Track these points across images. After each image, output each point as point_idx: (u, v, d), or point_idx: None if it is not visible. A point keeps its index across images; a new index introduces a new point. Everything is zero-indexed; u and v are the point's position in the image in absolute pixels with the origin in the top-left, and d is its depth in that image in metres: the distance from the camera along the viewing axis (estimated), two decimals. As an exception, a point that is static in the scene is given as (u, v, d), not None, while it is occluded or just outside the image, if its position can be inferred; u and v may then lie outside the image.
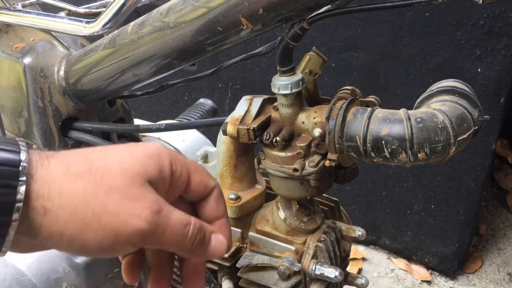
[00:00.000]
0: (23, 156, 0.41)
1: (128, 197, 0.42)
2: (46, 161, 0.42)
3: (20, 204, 0.39)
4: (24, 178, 0.40)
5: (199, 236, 0.46)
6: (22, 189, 0.40)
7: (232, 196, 0.66)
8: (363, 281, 0.70)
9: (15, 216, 0.39)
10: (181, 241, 0.45)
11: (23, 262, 0.72)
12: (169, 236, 0.44)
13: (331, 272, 0.62)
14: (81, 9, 0.79)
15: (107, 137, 0.84)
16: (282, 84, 0.58)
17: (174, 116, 1.11)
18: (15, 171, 0.40)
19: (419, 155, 0.52)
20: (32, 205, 0.40)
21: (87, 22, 0.71)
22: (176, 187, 0.47)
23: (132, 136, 0.90)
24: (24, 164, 0.40)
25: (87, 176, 0.42)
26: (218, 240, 0.48)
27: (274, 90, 0.60)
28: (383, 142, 0.53)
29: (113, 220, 0.42)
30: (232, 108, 0.62)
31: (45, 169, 0.42)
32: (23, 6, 0.82)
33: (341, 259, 0.69)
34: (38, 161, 0.42)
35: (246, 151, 0.66)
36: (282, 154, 0.60)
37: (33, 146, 0.44)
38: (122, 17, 0.69)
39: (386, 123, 0.53)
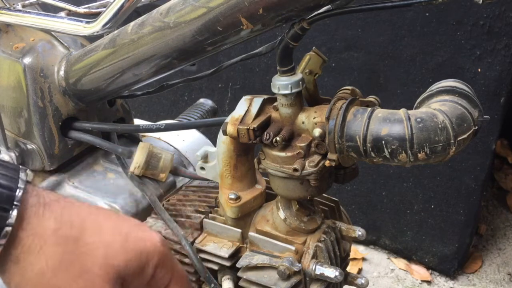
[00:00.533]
0: (18, 193, 0.40)
1: None
2: (42, 210, 0.42)
3: (0, 247, 0.40)
4: (11, 222, 0.39)
5: None
6: (7, 230, 0.39)
7: (232, 196, 0.66)
8: (363, 281, 0.70)
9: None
10: None
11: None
12: None
13: (331, 272, 0.62)
14: (81, 9, 0.79)
15: (107, 137, 0.84)
16: (282, 84, 0.58)
17: (174, 116, 1.11)
18: (3, 215, 0.39)
19: (419, 155, 0.52)
20: (10, 251, 0.40)
21: (87, 22, 0.71)
22: (151, 286, 0.47)
23: (132, 136, 0.90)
24: (16, 205, 0.40)
25: (70, 247, 0.42)
26: None
27: (274, 90, 0.60)
28: (383, 142, 0.53)
29: None
30: (232, 108, 0.62)
31: (38, 219, 0.41)
32: (23, 6, 0.82)
33: (341, 259, 0.69)
34: (34, 206, 0.41)
35: (246, 151, 0.66)
36: (282, 154, 0.60)
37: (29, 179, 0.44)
38: (122, 17, 0.69)
39: (386, 123, 0.53)
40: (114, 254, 0.43)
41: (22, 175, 0.42)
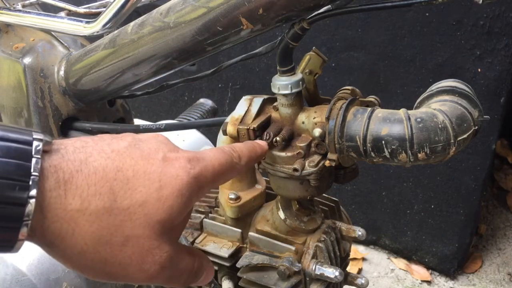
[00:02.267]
0: (32, 190, 0.37)
1: (143, 250, 0.41)
2: (63, 190, 0.38)
3: (22, 240, 0.37)
4: (28, 219, 0.37)
5: (196, 277, 0.47)
6: (24, 230, 0.37)
7: (232, 196, 0.66)
8: (363, 281, 0.70)
9: (22, 233, 0.37)
10: (180, 283, 0.45)
11: (23, 262, 0.72)
12: (172, 282, 0.44)
13: (331, 272, 0.62)
14: (81, 9, 0.79)
15: (107, 137, 0.84)
16: (282, 84, 0.58)
17: (174, 116, 1.11)
18: (18, 210, 0.36)
19: (419, 155, 0.52)
20: (44, 238, 0.39)
21: (87, 22, 0.71)
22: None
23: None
24: (32, 196, 0.37)
25: (105, 220, 0.40)
26: (207, 275, 0.49)
27: (274, 90, 0.60)
28: (383, 142, 0.53)
29: (120, 272, 0.41)
30: (232, 108, 0.62)
31: (60, 203, 0.38)
32: (23, 6, 0.82)
33: (341, 259, 0.69)
34: (53, 190, 0.38)
35: (246, 151, 0.66)
36: (282, 154, 0.60)
37: (52, 144, 0.40)
38: (122, 17, 0.69)
39: (386, 123, 0.53)
40: (153, 210, 0.41)
41: (35, 153, 0.38)
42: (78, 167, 0.40)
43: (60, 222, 0.39)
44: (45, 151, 0.39)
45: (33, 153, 0.37)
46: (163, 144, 0.45)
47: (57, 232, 0.39)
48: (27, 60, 0.77)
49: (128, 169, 0.41)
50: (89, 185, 0.39)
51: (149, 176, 0.42)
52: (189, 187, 0.43)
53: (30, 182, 0.37)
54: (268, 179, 0.67)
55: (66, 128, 0.81)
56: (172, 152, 0.45)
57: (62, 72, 0.78)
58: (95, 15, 0.72)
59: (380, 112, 0.55)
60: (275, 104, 0.61)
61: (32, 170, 0.37)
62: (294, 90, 0.58)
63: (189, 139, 0.93)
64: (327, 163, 0.57)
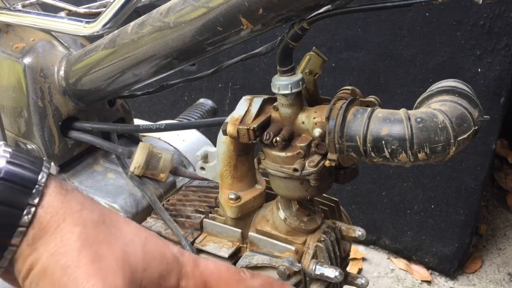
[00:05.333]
0: (41, 177, 0.40)
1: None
2: (65, 192, 0.41)
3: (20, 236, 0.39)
4: (34, 203, 0.39)
5: None
6: (29, 213, 0.39)
7: (232, 196, 0.66)
8: (363, 281, 0.70)
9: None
10: None
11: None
12: None
13: (331, 272, 0.62)
14: (81, 9, 0.79)
15: (107, 137, 0.84)
16: (282, 84, 0.58)
17: (174, 116, 1.11)
18: (24, 199, 0.39)
19: (419, 155, 0.52)
20: (27, 232, 0.40)
21: (87, 22, 0.71)
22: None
23: (132, 136, 0.90)
24: (39, 186, 0.40)
25: (89, 230, 0.41)
26: None
27: (274, 90, 0.60)
28: (383, 142, 0.53)
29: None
30: (232, 108, 0.62)
31: (58, 200, 0.41)
32: (23, 6, 0.82)
33: (341, 259, 0.69)
34: (57, 188, 0.41)
35: (246, 151, 0.66)
36: (282, 154, 0.60)
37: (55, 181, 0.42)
38: (122, 17, 0.69)
39: (386, 123, 0.53)
40: (133, 253, 0.41)
41: (45, 163, 0.42)
42: (79, 191, 0.44)
43: (51, 215, 0.40)
44: None
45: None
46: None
47: (43, 225, 0.40)
48: (27, 60, 0.77)
49: (121, 217, 0.44)
50: (85, 201, 0.42)
51: (140, 231, 0.43)
52: (172, 267, 0.43)
53: (40, 176, 0.41)
54: (268, 179, 0.67)
55: (66, 128, 0.81)
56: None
57: (62, 72, 0.78)
58: (95, 15, 0.72)
59: (380, 112, 0.55)
60: (275, 104, 0.61)
61: (42, 168, 0.41)
62: (294, 90, 0.58)
63: (189, 139, 0.93)
64: (327, 163, 0.57)
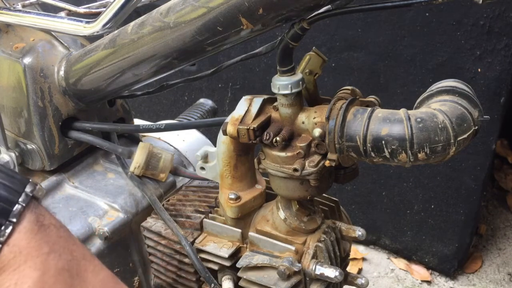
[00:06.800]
0: (16, 208, 0.38)
1: None
2: (37, 229, 0.39)
3: None
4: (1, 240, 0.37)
5: None
6: None
7: (232, 196, 0.66)
8: (363, 281, 0.70)
9: None
10: None
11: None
12: None
13: (331, 272, 0.62)
14: (81, 9, 0.79)
15: (107, 137, 0.84)
16: (282, 84, 0.58)
17: (174, 116, 1.11)
18: None
19: (419, 155, 0.52)
20: None
21: (87, 22, 0.71)
22: None
23: (132, 136, 0.90)
24: (11, 221, 0.37)
25: (48, 277, 0.39)
26: None
27: (274, 90, 0.60)
28: (383, 142, 0.53)
29: None
30: (232, 108, 0.62)
31: (27, 239, 0.39)
32: (23, 6, 0.82)
33: (341, 259, 0.69)
34: (30, 223, 0.39)
35: (246, 151, 0.66)
36: (282, 154, 0.60)
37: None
38: (122, 17, 0.69)
39: (386, 123, 0.53)
40: None
41: (28, 188, 0.39)
42: (59, 225, 0.41)
43: (14, 254, 0.39)
44: None
45: None
46: None
47: (4, 264, 0.38)
48: (27, 60, 0.77)
49: (97, 266, 0.42)
50: (58, 242, 0.41)
51: (112, 283, 0.42)
52: None
53: (15, 207, 0.39)
54: (268, 179, 0.67)
55: (66, 128, 0.81)
56: None
57: (62, 72, 0.78)
58: (95, 15, 0.72)
59: (380, 112, 0.55)
60: (275, 104, 0.61)
61: (20, 198, 0.39)
62: (294, 90, 0.58)
63: (189, 139, 0.93)
64: (327, 163, 0.57)
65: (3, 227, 0.37)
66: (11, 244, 0.38)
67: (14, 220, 0.38)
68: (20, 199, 0.38)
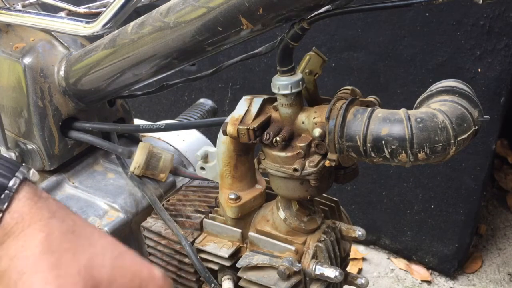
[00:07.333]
0: (12, 182, 0.39)
1: None
2: (37, 199, 0.41)
3: None
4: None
5: None
6: None
7: (232, 196, 0.66)
8: (363, 281, 0.70)
9: None
10: None
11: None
12: None
13: (331, 272, 0.62)
14: (81, 9, 0.79)
15: (107, 137, 0.84)
16: (282, 84, 0.58)
17: (174, 116, 1.11)
18: None
19: (419, 155, 0.52)
20: None
21: (87, 22, 0.71)
22: None
23: (132, 136, 0.90)
24: (8, 193, 0.39)
25: (54, 238, 0.40)
26: None
27: (274, 90, 0.60)
28: (383, 142, 0.53)
29: None
30: (232, 108, 0.62)
31: (28, 207, 0.40)
32: (23, 6, 0.82)
33: (341, 259, 0.69)
34: (29, 193, 0.40)
35: (246, 151, 0.66)
36: (282, 154, 0.60)
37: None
38: (122, 17, 0.69)
39: (386, 123, 0.53)
40: (100, 266, 0.40)
41: (22, 169, 0.41)
42: (57, 201, 0.43)
43: (17, 220, 0.40)
44: None
45: None
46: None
47: (7, 230, 0.39)
48: (27, 60, 0.77)
49: (102, 234, 0.43)
50: (58, 210, 0.42)
51: (118, 247, 0.42)
52: (147, 285, 0.42)
53: (11, 182, 0.40)
54: (268, 179, 0.67)
55: (66, 128, 0.81)
56: None
57: (62, 72, 0.78)
58: (95, 15, 0.72)
59: (380, 112, 0.55)
60: (275, 104, 0.61)
61: (16, 174, 0.41)
62: (294, 90, 0.58)
63: (189, 139, 0.93)
64: (327, 163, 0.57)
65: (3, 196, 0.39)
66: (12, 211, 0.39)
67: (13, 191, 0.39)
68: (16, 174, 0.40)
